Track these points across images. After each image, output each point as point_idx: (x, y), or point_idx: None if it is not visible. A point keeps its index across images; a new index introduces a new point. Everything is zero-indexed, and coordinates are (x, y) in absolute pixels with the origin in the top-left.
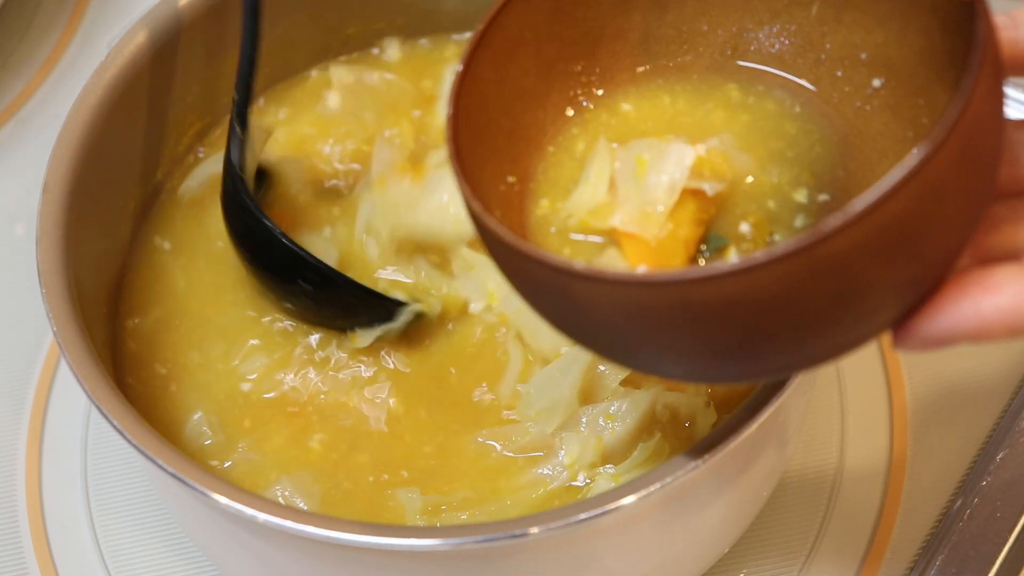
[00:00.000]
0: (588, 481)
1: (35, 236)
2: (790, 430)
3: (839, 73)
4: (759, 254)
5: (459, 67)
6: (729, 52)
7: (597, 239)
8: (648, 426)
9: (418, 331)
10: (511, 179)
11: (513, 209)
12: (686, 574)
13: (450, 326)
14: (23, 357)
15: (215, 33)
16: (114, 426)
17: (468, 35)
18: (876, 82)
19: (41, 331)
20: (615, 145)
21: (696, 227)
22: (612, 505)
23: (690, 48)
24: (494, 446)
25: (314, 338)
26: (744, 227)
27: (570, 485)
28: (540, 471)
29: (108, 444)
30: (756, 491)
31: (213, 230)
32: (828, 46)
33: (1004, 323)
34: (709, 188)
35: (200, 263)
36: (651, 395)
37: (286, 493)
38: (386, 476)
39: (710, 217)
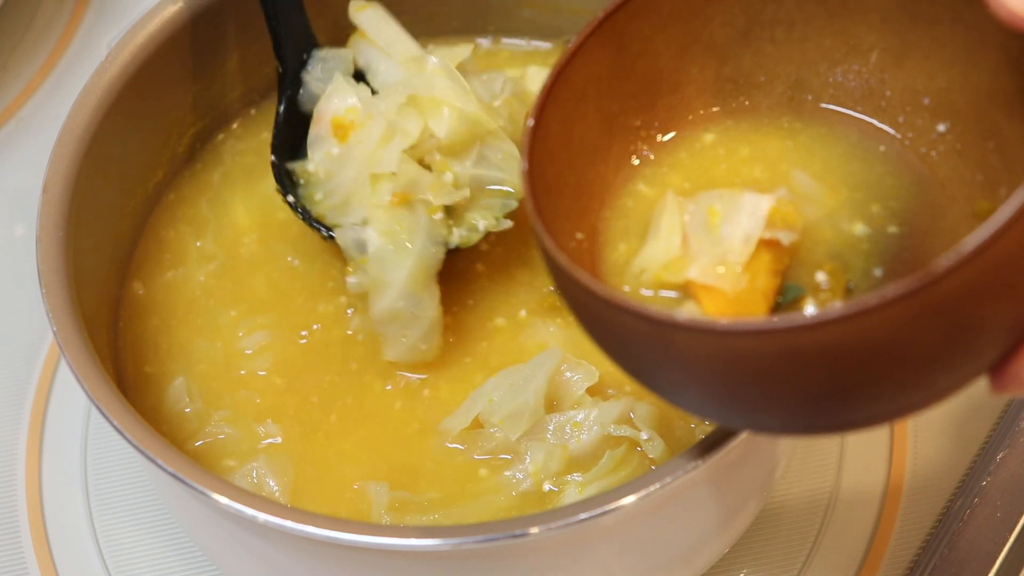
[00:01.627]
0: (555, 489)
1: (35, 236)
2: None
3: (900, 119)
4: (870, 297)
5: (531, 121)
6: (791, 97)
7: (671, 294)
8: (615, 436)
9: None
10: (579, 235)
11: (584, 266)
12: (686, 574)
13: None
14: (23, 357)
15: (215, 33)
16: (114, 426)
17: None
18: (941, 127)
19: (41, 331)
20: (682, 198)
21: (773, 277)
22: (612, 505)
23: (748, 97)
24: (460, 449)
25: (315, 326)
26: (820, 276)
27: (537, 491)
28: (507, 475)
29: (108, 444)
30: (756, 491)
31: (214, 229)
32: (888, 93)
33: None
34: (784, 238)
35: (201, 263)
36: (620, 405)
37: (261, 472)
38: (359, 468)
39: (785, 267)
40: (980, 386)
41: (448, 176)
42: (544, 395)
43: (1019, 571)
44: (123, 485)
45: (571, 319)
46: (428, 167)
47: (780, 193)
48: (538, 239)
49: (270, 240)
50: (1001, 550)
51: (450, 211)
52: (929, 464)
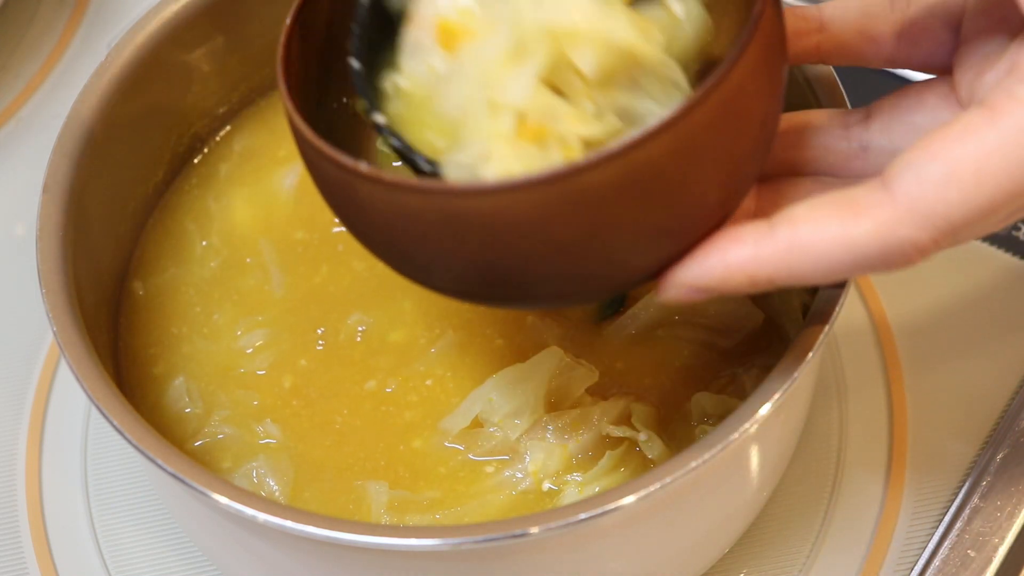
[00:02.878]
0: (555, 488)
1: (35, 236)
2: (790, 430)
3: None
4: (518, 177)
5: None
6: None
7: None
8: (615, 436)
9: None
10: (345, 100)
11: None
12: (686, 574)
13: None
14: (23, 357)
15: (215, 33)
16: (114, 426)
17: None
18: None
19: (41, 331)
20: None
21: None
22: (612, 505)
23: None
24: (460, 449)
25: (320, 330)
26: None
27: (537, 490)
28: (507, 475)
29: (108, 444)
30: (756, 491)
31: (215, 229)
32: None
33: (745, 272)
34: None
35: (201, 262)
36: (619, 405)
37: (260, 471)
38: (359, 467)
39: None
40: (981, 386)
41: (589, 106)
42: (543, 395)
43: (1019, 571)
44: (123, 485)
45: (571, 318)
46: (563, 94)
47: None
48: (282, 96)
49: (271, 240)
50: (1001, 550)
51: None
52: (929, 464)
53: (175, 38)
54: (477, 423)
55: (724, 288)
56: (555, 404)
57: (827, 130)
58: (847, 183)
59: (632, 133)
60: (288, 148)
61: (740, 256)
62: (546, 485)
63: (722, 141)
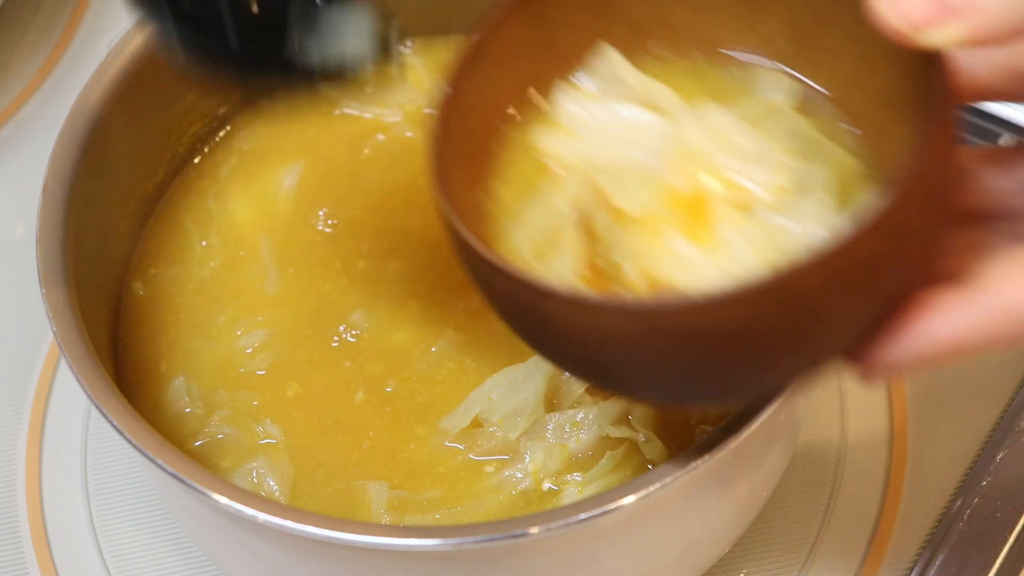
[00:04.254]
0: (555, 488)
1: (35, 236)
2: (790, 430)
3: (812, 104)
4: (727, 288)
5: (448, 88)
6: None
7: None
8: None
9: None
10: (481, 195)
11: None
12: (686, 574)
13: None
14: (23, 357)
15: None
16: (114, 426)
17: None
18: (842, 125)
19: (41, 331)
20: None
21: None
22: (612, 505)
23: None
24: (460, 448)
25: (320, 330)
26: None
27: (537, 490)
28: (507, 475)
29: (108, 444)
30: (756, 491)
31: (216, 229)
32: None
33: (955, 346)
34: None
35: (202, 262)
36: (618, 406)
37: (260, 471)
38: (358, 467)
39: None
40: (981, 386)
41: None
42: (544, 394)
43: (1019, 571)
44: (123, 485)
45: None
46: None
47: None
48: (438, 206)
49: (272, 240)
50: (1001, 550)
51: None
52: (929, 464)
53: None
54: (477, 423)
55: (930, 365)
56: (555, 404)
57: (984, 171)
58: (1015, 225)
59: (846, 229)
60: (289, 148)
61: (950, 330)
62: (546, 485)
63: (925, 215)
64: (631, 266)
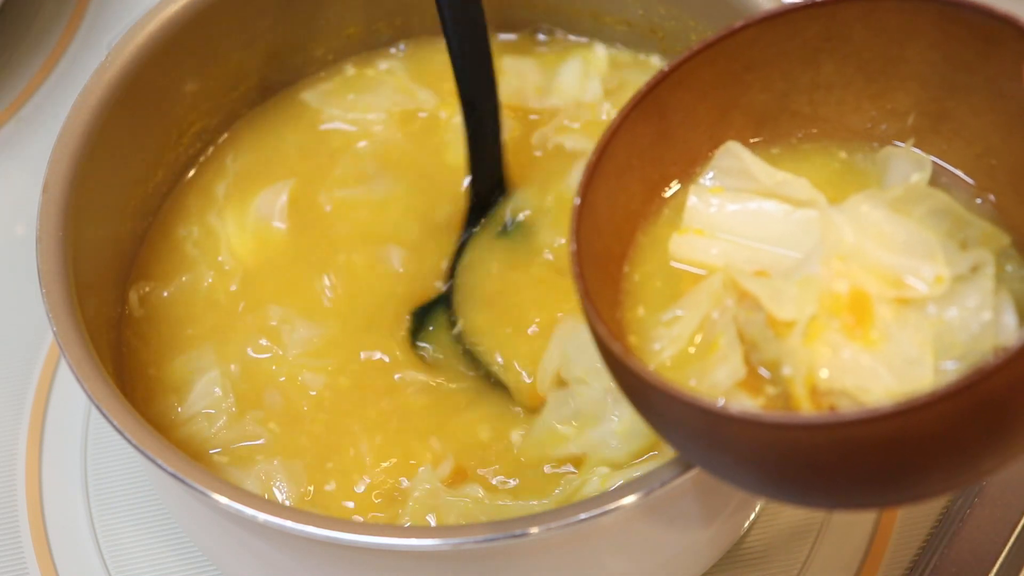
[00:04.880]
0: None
1: (35, 236)
2: None
3: (943, 180)
4: (921, 394)
5: (577, 200)
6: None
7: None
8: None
9: None
10: (618, 312)
11: (624, 338)
12: (686, 574)
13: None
14: (23, 357)
15: (215, 33)
16: (114, 426)
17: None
18: (978, 200)
19: (41, 331)
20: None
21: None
22: (612, 505)
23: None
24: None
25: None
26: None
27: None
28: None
29: (108, 444)
30: None
31: (219, 230)
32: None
33: None
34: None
35: (203, 264)
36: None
37: (265, 475)
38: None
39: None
40: None
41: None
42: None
43: (1019, 571)
44: (123, 485)
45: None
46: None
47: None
48: (590, 324)
49: (273, 239)
50: (1001, 550)
51: None
52: None
53: (175, 39)
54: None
55: None
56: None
57: None
58: None
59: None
60: (289, 145)
61: None
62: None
63: None
64: (793, 372)
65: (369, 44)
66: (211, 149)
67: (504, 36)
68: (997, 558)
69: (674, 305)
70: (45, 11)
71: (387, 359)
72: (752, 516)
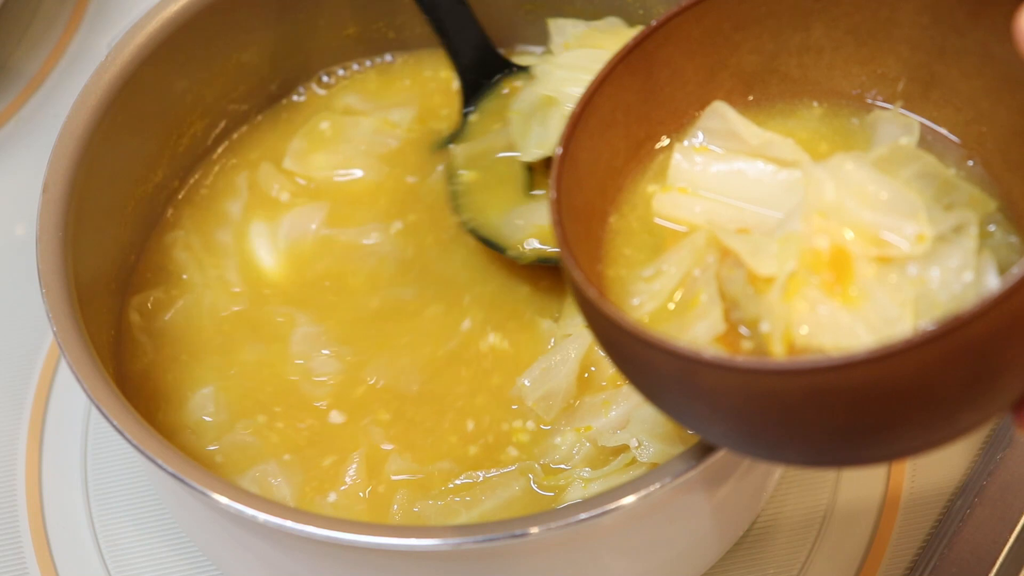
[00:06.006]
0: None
1: (35, 236)
2: None
3: (933, 145)
4: (896, 340)
5: (559, 150)
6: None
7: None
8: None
9: None
10: (599, 266)
11: (604, 293)
12: (686, 574)
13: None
14: (23, 357)
15: (215, 33)
16: (114, 426)
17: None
18: (969, 163)
19: (41, 331)
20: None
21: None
22: (612, 505)
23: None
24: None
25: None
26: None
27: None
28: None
29: (108, 444)
30: (756, 491)
31: (220, 229)
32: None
33: None
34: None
35: (204, 264)
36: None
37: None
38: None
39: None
40: None
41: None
42: (576, 377)
43: (1019, 571)
44: (123, 485)
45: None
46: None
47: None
48: (567, 270)
49: (274, 239)
50: (1001, 550)
51: None
52: (929, 464)
53: (175, 38)
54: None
55: None
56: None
57: None
58: None
59: (1005, 279)
60: (294, 144)
61: None
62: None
63: None
64: (771, 328)
65: (370, 44)
66: (212, 150)
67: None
68: (997, 558)
69: (655, 261)
70: (45, 11)
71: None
72: (753, 516)
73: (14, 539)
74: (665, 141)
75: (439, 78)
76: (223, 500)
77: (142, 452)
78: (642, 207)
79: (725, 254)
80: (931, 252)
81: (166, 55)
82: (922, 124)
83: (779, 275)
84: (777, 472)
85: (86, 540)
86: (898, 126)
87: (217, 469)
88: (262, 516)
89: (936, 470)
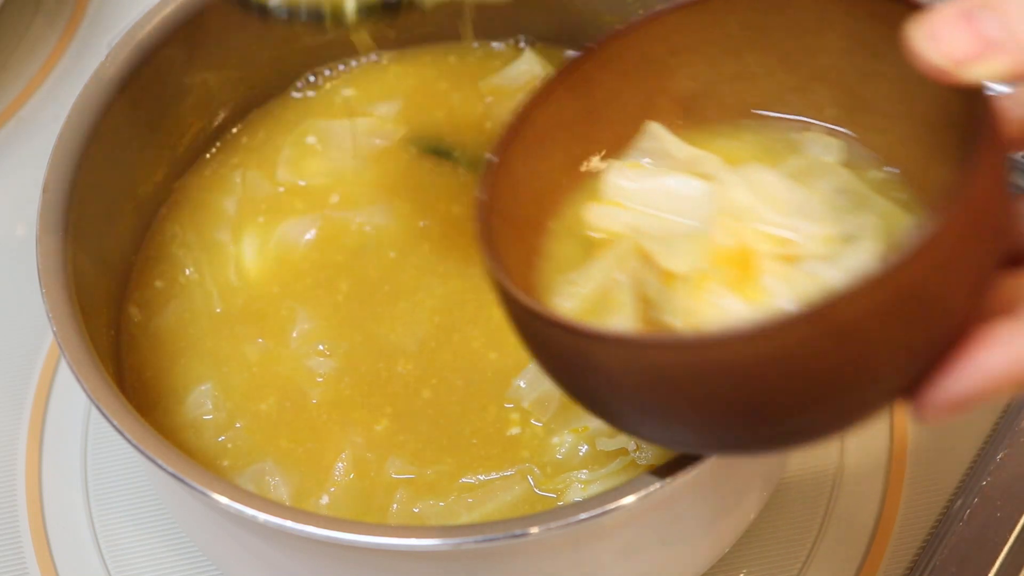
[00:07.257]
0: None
1: (35, 236)
2: None
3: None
4: (771, 317)
5: (493, 157)
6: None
7: None
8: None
9: None
10: (533, 267)
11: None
12: (686, 574)
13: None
14: (23, 357)
15: (215, 33)
16: (114, 426)
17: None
18: (888, 168)
19: (41, 331)
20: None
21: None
22: (612, 505)
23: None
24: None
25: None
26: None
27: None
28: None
29: (108, 444)
30: (756, 491)
31: (218, 229)
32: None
33: (1012, 377)
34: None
35: (204, 264)
36: None
37: (264, 473)
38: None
39: None
40: None
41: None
42: None
43: (1019, 571)
44: (123, 485)
45: None
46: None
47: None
48: (484, 259)
49: (274, 241)
50: (1001, 550)
51: None
52: (929, 464)
53: (175, 39)
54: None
55: (987, 397)
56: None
57: None
58: None
59: (893, 255)
60: (291, 144)
61: (1000, 361)
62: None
63: (972, 249)
64: (681, 323)
65: (374, 39)
66: (213, 150)
67: (495, 44)
68: (997, 558)
69: (583, 267)
70: (45, 11)
71: (388, 369)
72: (753, 516)
73: (14, 539)
74: (602, 159)
75: (429, 76)
76: (223, 500)
77: (142, 452)
78: (576, 219)
79: (646, 259)
80: (834, 253)
81: (166, 55)
82: (850, 143)
83: (686, 271)
84: (777, 473)
85: (86, 540)
86: (824, 146)
87: (216, 468)
88: (262, 516)
89: (936, 470)
